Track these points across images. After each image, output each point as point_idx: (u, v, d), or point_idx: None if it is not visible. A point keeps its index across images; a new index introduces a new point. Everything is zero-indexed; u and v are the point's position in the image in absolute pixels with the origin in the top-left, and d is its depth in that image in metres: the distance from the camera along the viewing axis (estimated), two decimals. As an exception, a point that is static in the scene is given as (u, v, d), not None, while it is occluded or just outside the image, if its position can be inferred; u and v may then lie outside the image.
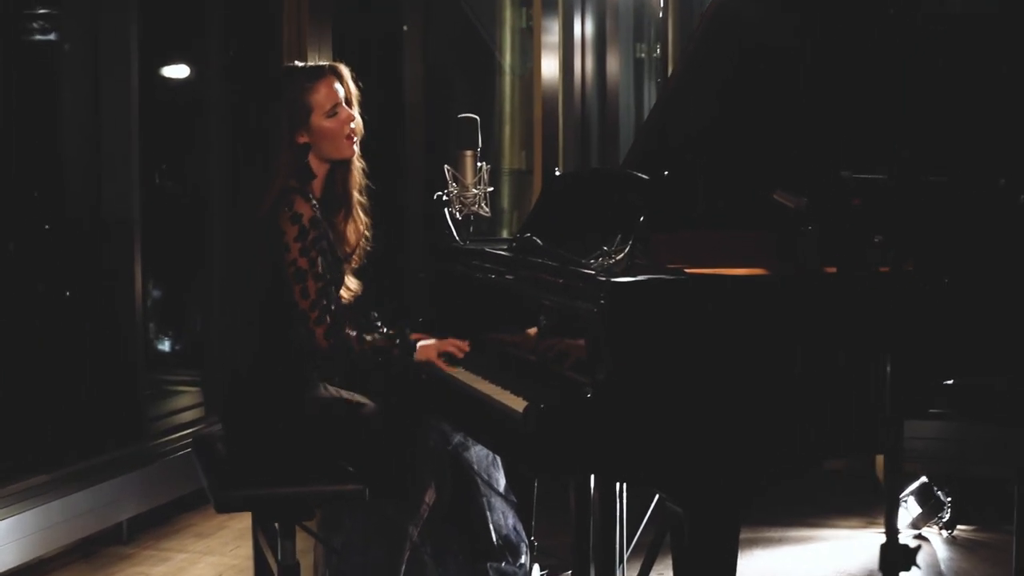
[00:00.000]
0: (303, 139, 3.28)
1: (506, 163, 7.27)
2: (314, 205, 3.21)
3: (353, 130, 3.34)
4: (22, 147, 4.71)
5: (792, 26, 3.23)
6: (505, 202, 7.27)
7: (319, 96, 3.28)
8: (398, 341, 3.24)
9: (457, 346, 3.28)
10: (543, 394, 2.81)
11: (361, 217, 3.43)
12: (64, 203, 4.84)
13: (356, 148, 3.36)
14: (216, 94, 5.56)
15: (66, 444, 4.61)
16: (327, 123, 3.29)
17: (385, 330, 3.37)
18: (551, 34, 6.41)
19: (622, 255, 2.96)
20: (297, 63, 3.41)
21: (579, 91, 6.51)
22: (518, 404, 2.84)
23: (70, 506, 4.27)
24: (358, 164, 3.39)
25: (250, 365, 3.30)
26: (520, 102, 7.14)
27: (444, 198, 3.68)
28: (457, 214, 3.66)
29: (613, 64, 6.80)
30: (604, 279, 2.76)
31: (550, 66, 6.37)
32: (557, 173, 3.65)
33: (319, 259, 3.18)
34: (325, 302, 3.18)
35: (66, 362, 4.74)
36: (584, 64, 6.53)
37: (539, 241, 3.27)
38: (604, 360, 2.70)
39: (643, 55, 7.83)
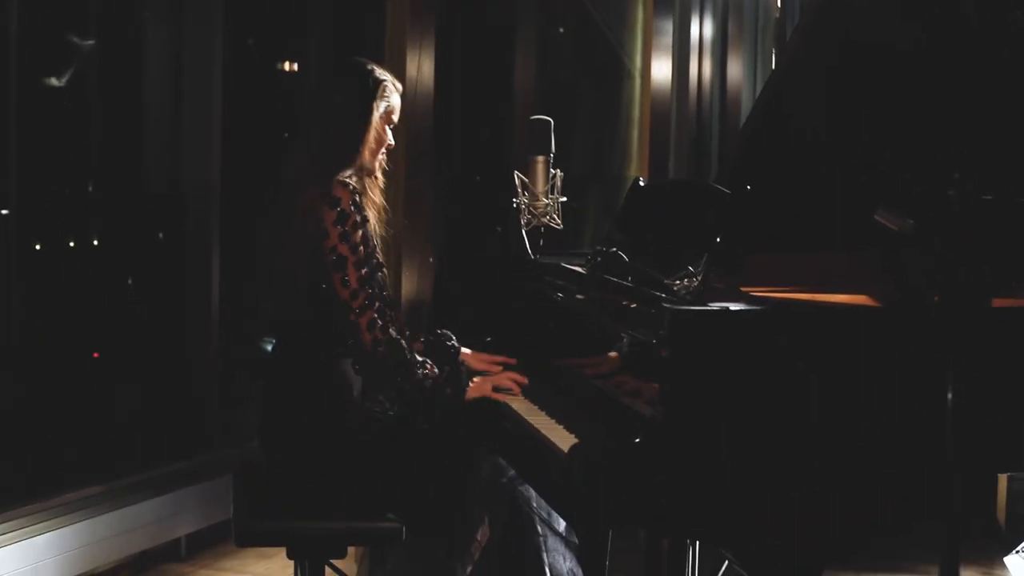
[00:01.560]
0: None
1: (632, 170, 7.00)
2: (353, 189, 2.93)
3: (387, 150, 3.09)
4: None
5: (907, 19, 2.83)
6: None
7: (390, 102, 3.05)
8: (449, 377, 2.96)
9: (514, 380, 3.01)
10: (600, 432, 2.47)
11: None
12: (142, 187, 4.61)
13: (379, 167, 3.08)
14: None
15: (123, 452, 4.39)
16: (382, 131, 3.05)
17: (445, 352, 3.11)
18: (664, 35, 6.03)
19: (700, 277, 2.61)
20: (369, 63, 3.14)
21: (695, 95, 6.12)
22: (565, 442, 2.52)
23: (125, 519, 4.06)
24: (378, 187, 3.11)
25: (287, 368, 3.02)
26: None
27: (517, 207, 3.39)
28: (526, 225, 3.35)
29: (735, 68, 6.40)
30: (668, 306, 2.41)
31: (662, 69, 5.98)
32: (641, 183, 3.32)
33: (360, 246, 2.91)
34: (370, 290, 2.91)
35: (128, 362, 4.52)
36: (701, 67, 6.14)
37: (624, 256, 2.96)
38: (661, 399, 2.35)
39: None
